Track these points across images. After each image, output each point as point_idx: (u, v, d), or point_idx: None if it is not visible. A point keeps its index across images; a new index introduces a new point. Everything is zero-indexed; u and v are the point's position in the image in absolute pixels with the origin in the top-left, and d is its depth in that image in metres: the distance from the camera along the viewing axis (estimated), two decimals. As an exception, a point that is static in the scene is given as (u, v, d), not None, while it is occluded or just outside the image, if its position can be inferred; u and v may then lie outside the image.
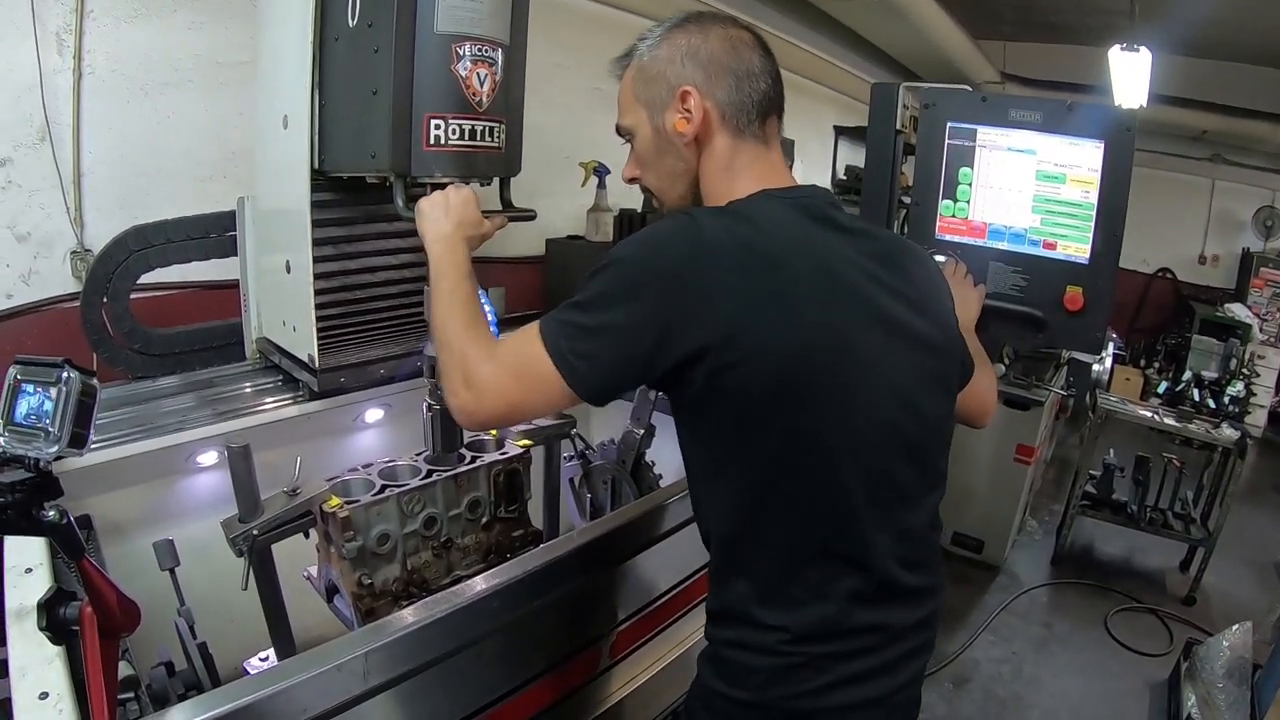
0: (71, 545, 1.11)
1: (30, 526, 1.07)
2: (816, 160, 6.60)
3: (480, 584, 1.59)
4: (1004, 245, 2.31)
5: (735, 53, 1.39)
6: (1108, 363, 5.01)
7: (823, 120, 6.76)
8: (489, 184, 2.09)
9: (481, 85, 1.89)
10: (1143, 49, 5.37)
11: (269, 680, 1.28)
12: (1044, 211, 2.25)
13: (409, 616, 1.47)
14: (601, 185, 4.08)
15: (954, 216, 2.38)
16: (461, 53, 1.85)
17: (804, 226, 1.32)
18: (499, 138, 1.99)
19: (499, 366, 1.30)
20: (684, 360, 1.21)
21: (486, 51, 1.89)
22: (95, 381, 1.11)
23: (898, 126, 2.74)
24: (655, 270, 1.23)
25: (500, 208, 2.12)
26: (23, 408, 1.09)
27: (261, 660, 1.97)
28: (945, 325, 1.46)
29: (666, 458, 2.35)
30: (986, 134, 2.30)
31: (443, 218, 1.61)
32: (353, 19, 1.92)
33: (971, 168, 2.33)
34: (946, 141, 2.36)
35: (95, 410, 1.11)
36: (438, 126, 1.87)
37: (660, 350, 1.21)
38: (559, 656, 1.83)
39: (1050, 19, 6.53)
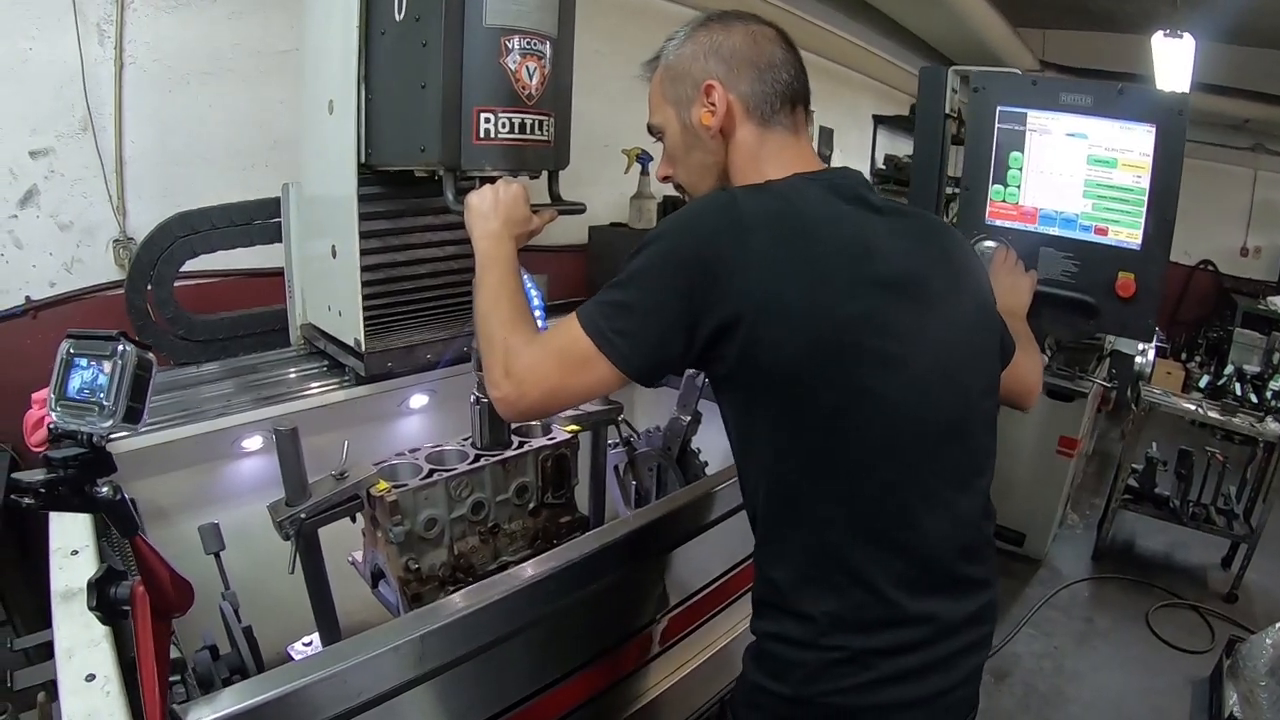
0: (125, 522, 1.08)
1: (83, 503, 1.04)
2: (855, 149, 6.58)
3: (534, 569, 1.55)
4: (1055, 230, 2.26)
5: (757, 46, 1.41)
6: (1150, 355, 4.88)
7: (861, 109, 6.74)
8: (538, 177, 2.06)
9: (531, 78, 1.87)
10: (1186, 35, 5.26)
11: (322, 663, 1.26)
12: (1095, 196, 2.19)
13: (462, 601, 1.44)
14: (644, 172, 4.06)
15: (1004, 202, 2.33)
16: (510, 46, 1.82)
17: (836, 205, 1.31)
18: (548, 131, 1.97)
19: (539, 353, 1.31)
20: (719, 330, 1.21)
21: (535, 44, 1.86)
22: (151, 356, 1.08)
23: (946, 111, 2.67)
24: (691, 243, 1.24)
25: (549, 201, 2.09)
26: (76, 382, 1.05)
27: (305, 645, 1.95)
28: (981, 301, 1.45)
29: (712, 445, 2.33)
30: (1037, 118, 2.24)
31: (491, 213, 1.61)
32: (400, 13, 1.90)
33: (1022, 152, 2.28)
34: (996, 126, 2.30)
35: (151, 385, 1.07)
36: (487, 120, 1.85)
37: (698, 321, 1.21)
38: (610, 642, 1.79)
39: (1089, 5, 6.38)
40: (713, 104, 1.40)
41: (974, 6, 5.81)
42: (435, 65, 1.81)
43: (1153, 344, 4.80)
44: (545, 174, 2.12)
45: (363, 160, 2.07)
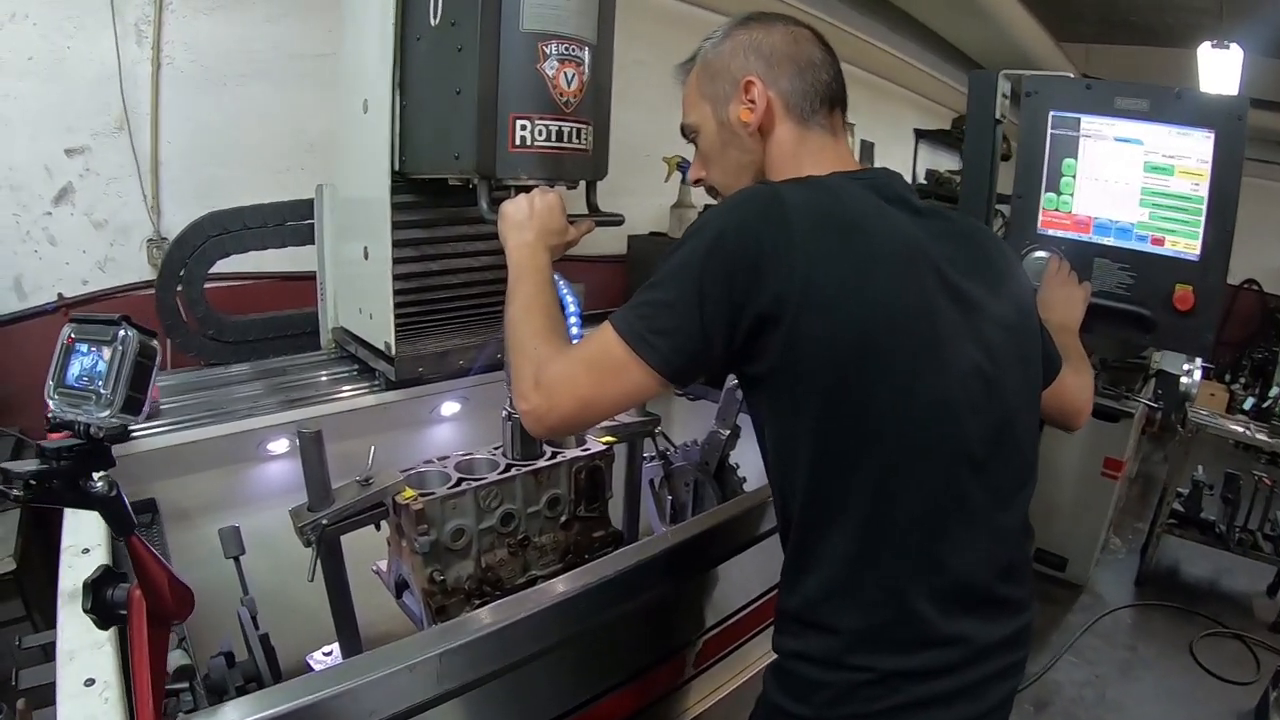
0: (120, 520, 0.99)
1: (77, 498, 0.95)
2: (896, 164, 6.32)
3: (565, 585, 1.45)
4: (1110, 240, 2.13)
5: (797, 45, 1.37)
6: (1196, 375, 4.72)
7: (903, 123, 6.66)
8: (575, 187, 1.99)
9: (569, 85, 1.81)
10: (1233, 46, 5.12)
11: (334, 679, 1.16)
12: (1152, 205, 2.06)
13: (487, 617, 1.33)
14: (684, 181, 3.96)
15: (1057, 210, 2.20)
16: (548, 51, 1.77)
17: (878, 203, 1.24)
18: (586, 139, 1.90)
19: (571, 363, 1.24)
20: (761, 322, 1.14)
21: (574, 50, 1.80)
22: (155, 343, 0.98)
23: (997, 116, 2.55)
24: (733, 234, 1.16)
25: (586, 211, 2.03)
26: (75, 369, 0.96)
27: (325, 655, 1.90)
28: (1022, 307, 1.37)
29: (751, 461, 2.21)
30: (1091, 123, 2.12)
31: (525, 223, 1.55)
32: (435, 18, 1.85)
33: (1075, 159, 2.16)
34: (1049, 131, 2.19)
35: (155, 373, 0.98)
36: (523, 127, 1.79)
37: (740, 313, 1.14)
38: (642, 664, 1.68)
39: (1132, 19, 6.25)
40: (752, 100, 1.34)
41: (1019, 19, 5.72)
42: (471, 71, 1.76)
43: (1197, 365, 4.63)
44: (583, 184, 2.05)
45: (396, 167, 2.02)
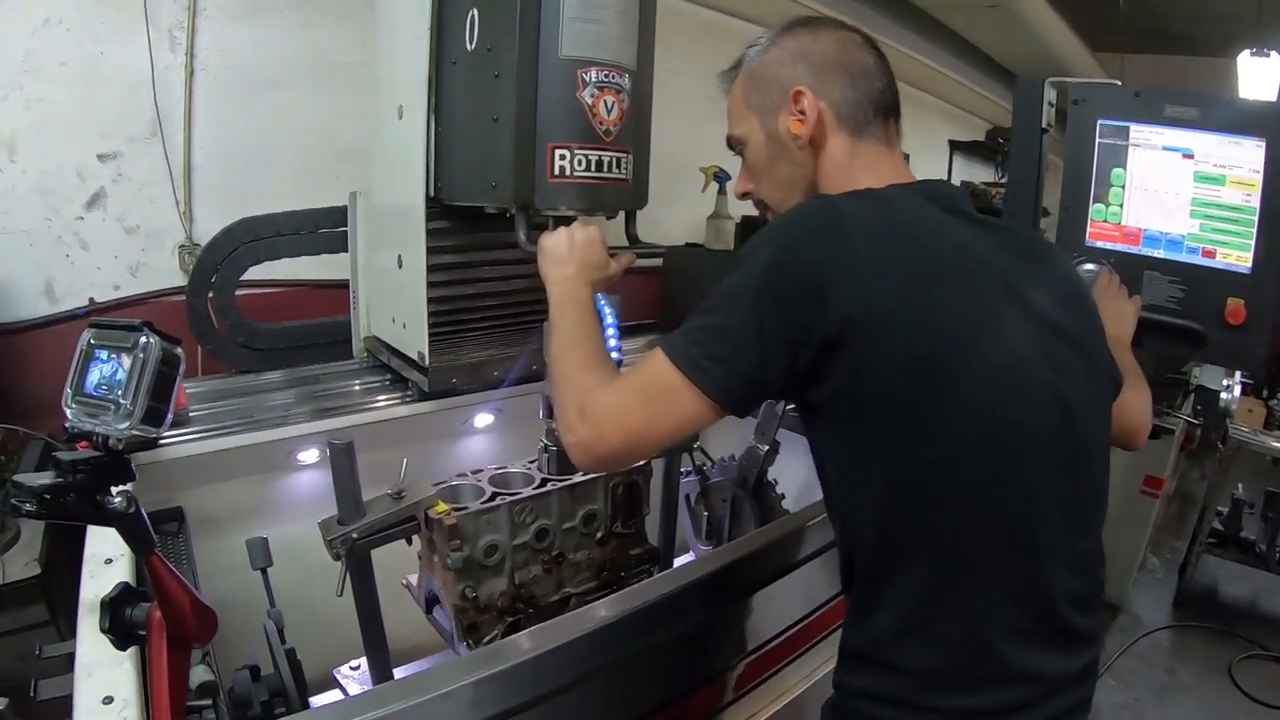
0: (140, 538, 0.92)
1: (93, 514, 0.88)
2: (931, 175, 6.26)
3: (609, 609, 1.36)
4: (1160, 253, 2.04)
5: (847, 52, 1.29)
6: (1236, 390, 4.57)
7: (937, 135, 6.56)
8: (614, 217, 1.93)
9: (609, 113, 1.74)
10: (1273, 54, 5.01)
11: (368, 705, 1.09)
12: (1203, 216, 1.97)
13: (526, 643, 1.25)
14: (722, 191, 3.87)
15: (1106, 221, 2.11)
16: (587, 79, 1.70)
17: (936, 214, 1.18)
18: (626, 169, 1.82)
19: (618, 392, 1.16)
20: (825, 346, 1.05)
21: (613, 77, 1.73)
22: (179, 351, 0.91)
23: (1043, 125, 2.46)
24: (793, 252, 1.09)
25: (625, 242, 1.96)
26: (94, 376, 0.89)
27: (352, 669, 1.82)
28: (1089, 321, 1.29)
29: (790, 477, 2.20)
30: (1140, 132, 2.03)
31: (566, 258, 1.48)
32: (471, 43, 1.79)
33: (1124, 169, 2.07)
34: (1097, 140, 2.10)
35: (178, 383, 0.91)
36: (563, 157, 1.73)
37: (802, 337, 1.06)
38: (680, 689, 1.59)
39: (1167, 28, 6.15)
40: (802, 111, 1.26)
41: (1055, 30, 5.64)
42: (508, 98, 1.70)
43: (1236, 380, 4.49)
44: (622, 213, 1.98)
45: (431, 193, 1.96)
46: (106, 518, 0.88)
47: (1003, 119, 6.76)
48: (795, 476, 2.30)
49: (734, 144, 1.39)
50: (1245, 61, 5.15)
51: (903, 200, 1.17)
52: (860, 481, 1.14)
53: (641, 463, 1.91)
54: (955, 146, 6.40)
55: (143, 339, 0.88)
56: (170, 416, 0.89)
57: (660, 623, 1.40)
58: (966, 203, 1.25)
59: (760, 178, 1.37)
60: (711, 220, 3.85)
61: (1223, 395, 4.51)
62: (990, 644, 1.09)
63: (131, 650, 1.11)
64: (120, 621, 0.98)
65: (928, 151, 6.47)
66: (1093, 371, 1.25)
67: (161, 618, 0.94)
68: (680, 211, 3.99)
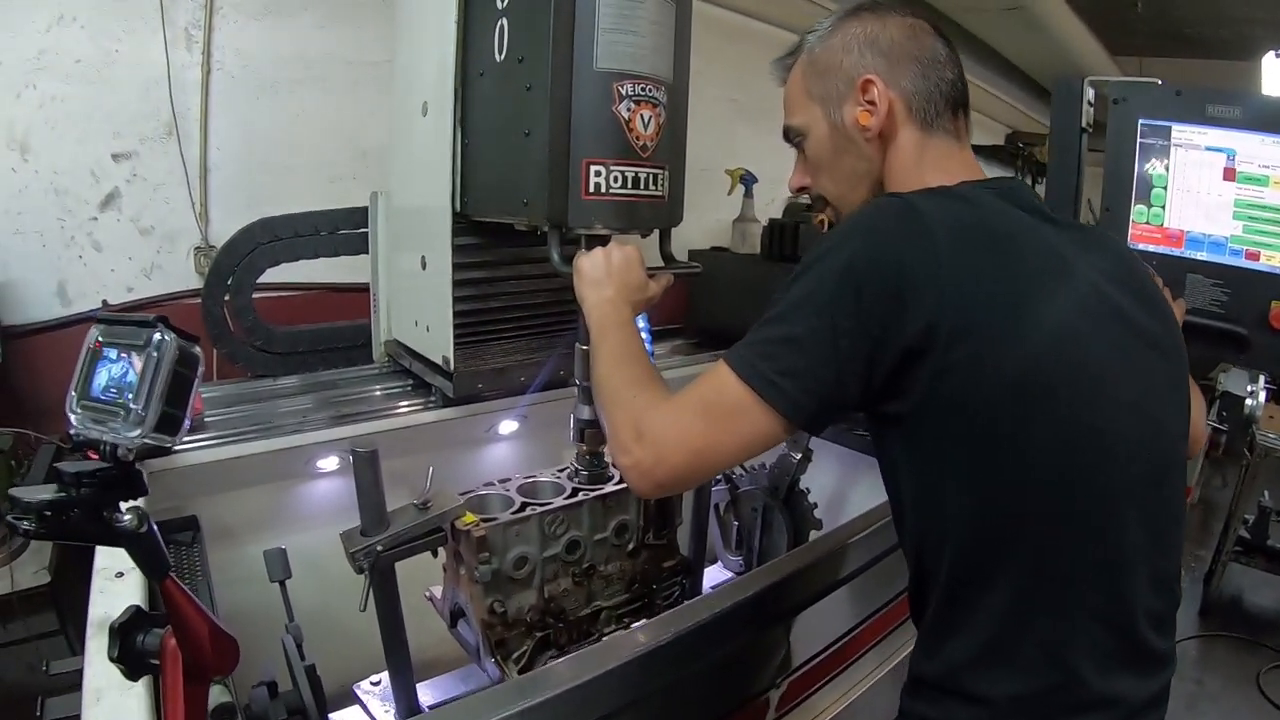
0: (153, 562, 0.81)
1: (100, 533, 0.77)
2: None
3: (653, 632, 1.25)
4: (1203, 255, 1.95)
5: (917, 39, 1.21)
6: (1261, 396, 4.46)
7: None
8: (648, 235, 1.82)
9: (645, 128, 1.62)
10: (1299, 55, 4.91)
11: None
12: (1246, 218, 1.88)
13: (569, 671, 1.14)
14: (748, 194, 3.76)
15: (1148, 224, 2.01)
16: (624, 92, 1.58)
17: (1016, 214, 1.09)
18: (663, 185, 1.71)
19: (677, 410, 1.07)
20: (907, 357, 0.96)
21: (650, 91, 1.62)
22: (198, 350, 0.81)
23: (1083, 124, 2.36)
24: (870, 255, 0.99)
25: (660, 261, 1.85)
26: (102, 378, 0.79)
27: (374, 684, 1.71)
28: (1172, 328, 1.20)
29: (822, 486, 2.11)
30: (1182, 132, 1.94)
31: (604, 280, 1.42)
32: (500, 54, 1.69)
33: (1166, 170, 1.97)
34: (1138, 140, 2.00)
35: (196, 386, 0.80)
36: (598, 173, 1.60)
37: (881, 347, 0.97)
38: (720, 711, 1.48)
39: (1186, 31, 6.06)
40: (871, 102, 1.18)
41: (1075, 33, 5.55)
42: (540, 111, 1.58)
43: (1261, 386, 4.39)
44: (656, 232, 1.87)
45: (457, 209, 1.88)
46: (115, 537, 0.77)
47: (1022, 123, 6.71)
48: (829, 486, 2.20)
49: (791, 135, 1.30)
50: (1271, 63, 5.04)
51: (980, 198, 1.09)
52: (938, 500, 1.05)
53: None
54: (975, 151, 6.27)
55: (157, 336, 0.77)
56: (187, 424, 0.78)
57: (716, 641, 1.31)
58: (1039, 202, 1.16)
59: (821, 172, 1.28)
60: (737, 224, 3.73)
61: (1248, 401, 4.41)
62: (1075, 669, 1.00)
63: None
64: (131, 649, 0.87)
65: (947, 155, 6.36)
66: (1175, 381, 1.16)
67: (176, 647, 0.83)
68: (703, 216, 3.90)
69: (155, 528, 0.80)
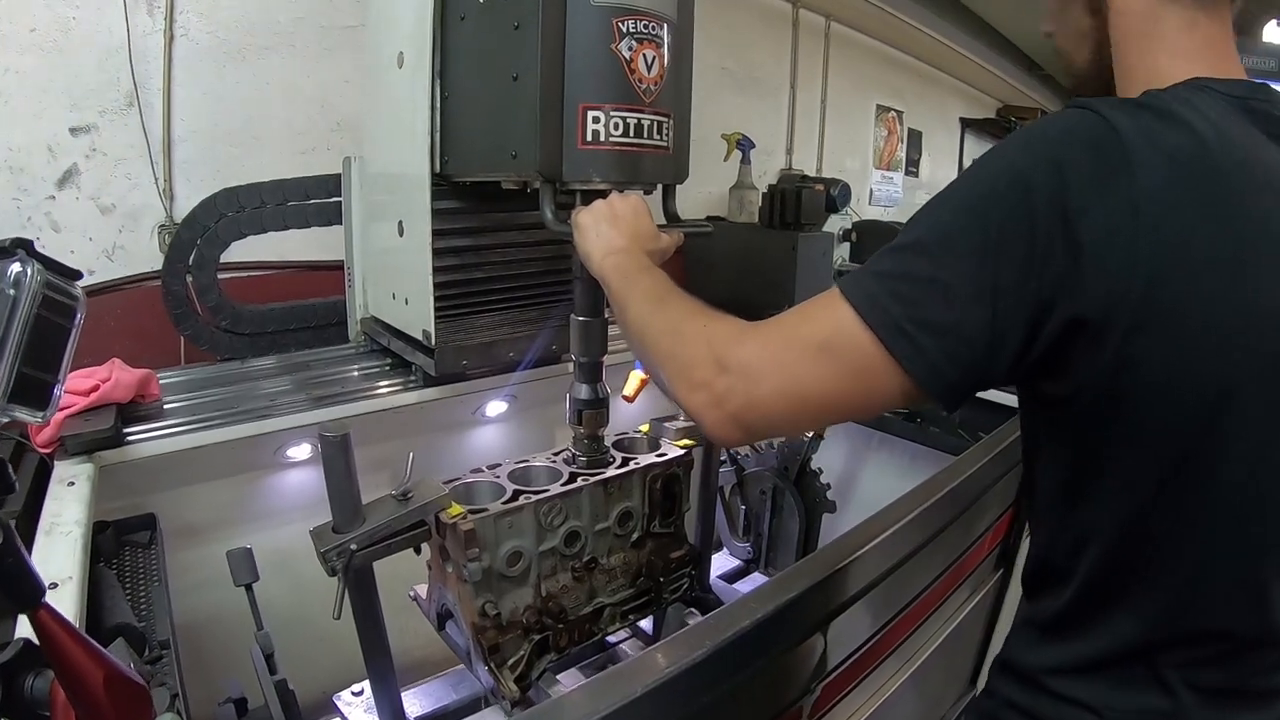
0: (17, 587, 0.56)
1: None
2: (943, 154, 6.22)
3: (682, 648, 1.00)
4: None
5: None
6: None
7: (949, 112, 6.36)
8: (650, 192, 1.57)
9: (649, 70, 1.39)
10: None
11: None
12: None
13: (587, 703, 0.89)
14: (745, 160, 3.55)
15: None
16: (625, 29, 1.35)
17: (1254, 139, 0.77)
18: (667, 135, 1.47)
19: (774, 343, 0.83)
20: (1075, 326, 0.73)
21: (654, 29, 1.38)
22: (77, 292, 0.56)
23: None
24: (1047, 181, 0.72)
25: (663, 220, 1.62)
26: (-63, 331, 0.54)
27: (355, 694, 1.52)
28: None
29: (834, 464, 1.95)
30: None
31: (611, 231, 1.21)
32: None
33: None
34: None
35: (73, 338, 0.55)
36: (596, 120, 1.37)
37: (1044, 314, 0.73)
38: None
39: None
40: None
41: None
42: (531, 51, 1.36)
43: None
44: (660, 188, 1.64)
45: (437, 170, 1.69)
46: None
47: (1013, 97, 6.61)
48: (842, 465, 2.00)
49: None
50: (1272, 31, 4.93)
51: (1208, 117, 0.76)
52: (1091, 497, 0.84)
53: (682, 453, 1.59)
54: (967, 124, 6.20)
55: (15, 268, 0.52)
56: (59, 392, 0.53)
57: (751, 654, 1.08)
58: None
59: (1055, 18, 1.01)
60: (734, 191, 3.50)
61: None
62: (1183, 702, 0.85)
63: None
64: (17, 696, 0.62)
65: (939, 128, 6.31)
66: None
67: (67, 701, 0.59)
68: (696, 185, 3.67)
69: (18, 540, 0.55)
